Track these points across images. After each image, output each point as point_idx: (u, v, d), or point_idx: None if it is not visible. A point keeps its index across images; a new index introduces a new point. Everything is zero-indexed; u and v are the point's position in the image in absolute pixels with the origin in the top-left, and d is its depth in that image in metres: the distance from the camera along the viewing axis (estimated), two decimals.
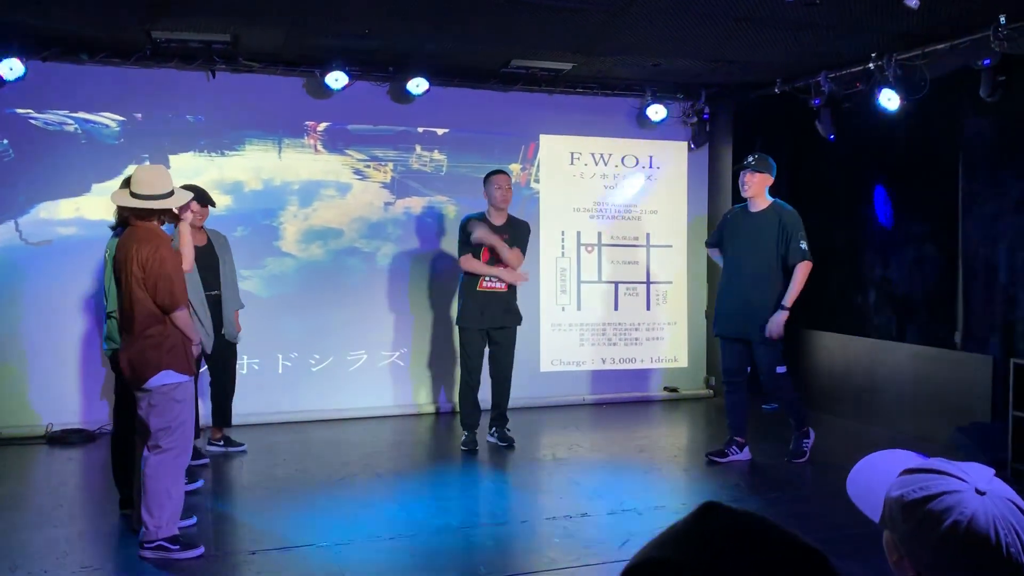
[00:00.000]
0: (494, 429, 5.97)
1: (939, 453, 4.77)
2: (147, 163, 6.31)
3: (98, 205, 6.35)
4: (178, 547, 3.87)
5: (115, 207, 4.39)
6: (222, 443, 5.71)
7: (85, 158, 6.35)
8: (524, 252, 5.91)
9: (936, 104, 6.07)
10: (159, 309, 3.83)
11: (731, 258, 5.63)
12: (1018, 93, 5.51)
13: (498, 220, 5.87)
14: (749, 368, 5.64)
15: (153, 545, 3.82)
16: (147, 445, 3.89)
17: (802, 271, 5.35)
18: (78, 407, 6.36)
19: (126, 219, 4.30)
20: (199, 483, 4.87)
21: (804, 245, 5.35)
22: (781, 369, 5.45)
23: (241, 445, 5.72)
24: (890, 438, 5.90)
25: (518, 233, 5.89)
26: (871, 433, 6.34)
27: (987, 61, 5.42)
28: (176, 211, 4.02)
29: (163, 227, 4.10)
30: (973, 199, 6.03)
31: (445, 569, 3.79)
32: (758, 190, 5.49)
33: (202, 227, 5.38)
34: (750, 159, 5.55)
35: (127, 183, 4.35)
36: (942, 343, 6.21)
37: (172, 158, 6.48)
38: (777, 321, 5.34)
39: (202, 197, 5.19)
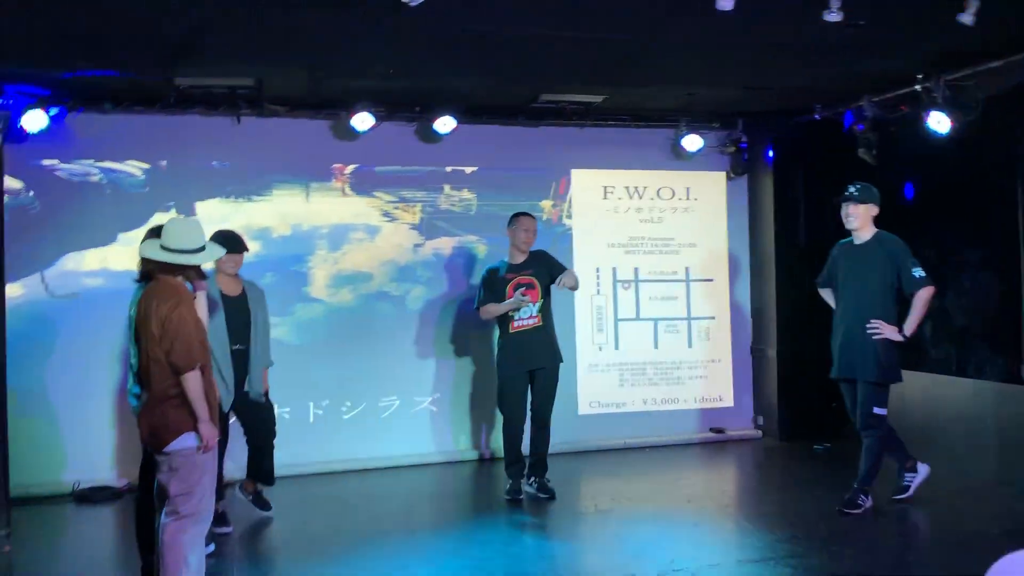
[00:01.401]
0: (533, 479, 5.71)
1: (1011, 498, 4.41)
2: (177, 214, 6.21)
3: (124, 255, 6.23)
4: None
5: (139, 259, 4.26)
6: (251, 497, 5.45)
7: (110, 207, 6.26)
8: (564, 267, 5.76)
9: (990, 125, 5.75)
10: (172, 369, 3.64)
11: (840, 295, 5.39)
12: None
13: (519, 259, 5.72)
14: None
15: None
16: (165, 511, 3.68)
17: (923, 297, 5.08)
18: (106, 464, 6.19)
19: (150, 272, 4.15)
20: (211, 548, 4.63)
21: (918, 272, 5.09)
22: (880, 411, 5.19)
23: (268, 509, 5.40)
24: (954, 483, 5.51)
25: (544, 263, 5.74)
26: (934, 475, 5.93)
27: None
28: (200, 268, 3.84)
29: (188, 283, 3.93)
30: None
31: None
32: (863, 221, 5.26)
33: (237, 275, 5.18)
34: (852, 190, 5.30)
35: (154, 233, 4.21)
36: (1006, 377, 5.83)
37: (198, 205, 6.37)
38: (888, 332, 5.08)
39: (235, 243, 5.02)
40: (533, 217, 5.82)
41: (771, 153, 7.41)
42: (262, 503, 5.39)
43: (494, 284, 5.66)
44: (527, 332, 5.63)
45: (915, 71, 5.86)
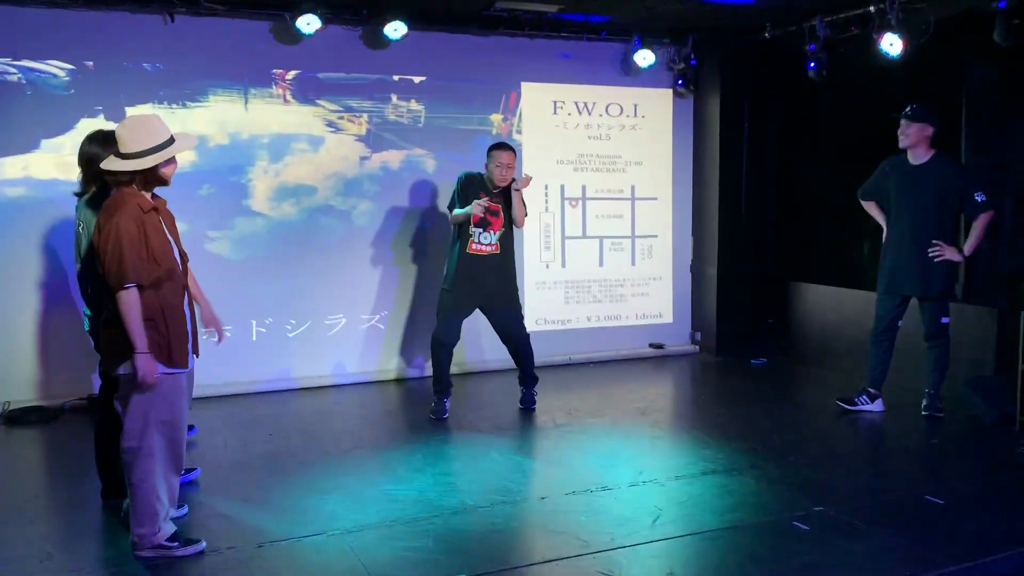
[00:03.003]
0: (523, 388, 5.85)
1: (947, 408, 4.65)
2: (106, 120, 5.79)
3: (48, 163, 5.81)
4: (177, 544, 3.52)
5: (82, 169, 3.93)
6: None
7: (32, 111, 5.77)
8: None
9: (940, 49, 5.86)
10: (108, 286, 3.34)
11: (895, 214, 5.50)
12: None
13: (493, 189, 5.55)
14: (900, 322, 5.59)
15: (149, 547, 3.47)
16: (124, 447, 3.45)
17: (983, 221, 5.25)
18: (35, 383, 5.87)
19: (96, 182, 3.85)
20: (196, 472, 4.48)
21: (980, 196, 5.23)
22: (945, 320, 5.43)
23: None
24: (894, 395, 5.80)
25: (512, 194, 5.56)
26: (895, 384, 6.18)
27: (1002, 3, 5.21)
28: (159, 170, 3.49)
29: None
30: (976, 148, 5.88)
31: (474, 555, 3.52)
32: (916, 140, 5.35)
33: None
34: (908, 108, 5.37)
35: (97, 140, 3.88)
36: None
37: (129, 110, 5.93)
38: (948, 254, 5.28)
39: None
40: (512, 150, 5.52)
41: (720, 72, 7.40)
42: None
43: (469, 191, 5.48)
44: (482, 258, 5.52)
45: None
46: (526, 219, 5.64)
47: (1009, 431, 5.18)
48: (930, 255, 5.33)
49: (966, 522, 3.80)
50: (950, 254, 5.31)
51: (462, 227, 5.52)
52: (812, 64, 6.48)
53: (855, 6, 6.15)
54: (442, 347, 5.58)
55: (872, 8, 6.01)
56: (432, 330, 5.65)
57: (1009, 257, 5.69)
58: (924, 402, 5.52)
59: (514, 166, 5.52)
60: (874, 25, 6.02)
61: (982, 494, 4.18)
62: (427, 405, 5.77)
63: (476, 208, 5.34)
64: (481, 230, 5.49)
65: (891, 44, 5.87)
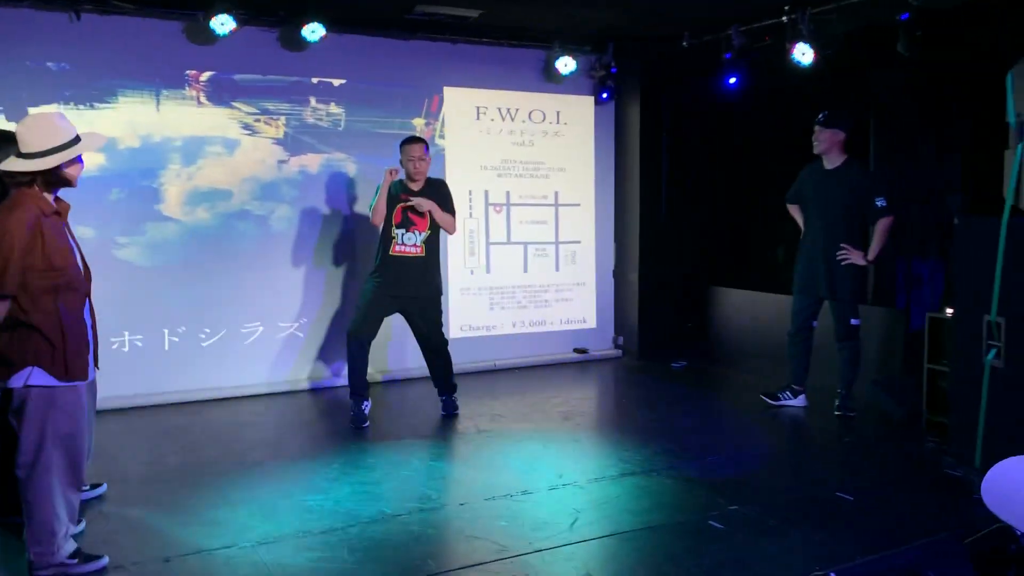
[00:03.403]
0: (444, 396, 5.80)
1: (859, 410, 4.78)
2: (7, 120, 5.53)
3: None
4: (76, 561, 3.36)
5: None
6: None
7: None
8: (454, 211, 5.62)
9: (848, 60, 6.05)
10: None
11: (809, 217, 5.68)
12: (934, 48, 5.53)
13: (415, 186, 5.51)
14: (815, 322, 5.74)
15: (47, 567, 3.30)
16: (18, 463, 3.28)
17: (882, 226, 5.40)
18: None
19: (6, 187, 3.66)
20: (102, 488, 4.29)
21: (880, 202, 5.37)
22: (855, 321, 5.57)
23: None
24: (810, 394, 5.94)
25: (439, 193, 5.56)
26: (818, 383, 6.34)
27: (904, 15, 5.41)
28: (63, 171, 3.31)
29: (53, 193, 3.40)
30: (883, 153, 6.08)
31: (390, 564, 3.45)
32: (828, 145, 5.54)
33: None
34: (820, 115, 5.56)
35: (4, 141, 3.70)
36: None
37: (32, 111, 5.68)
38: (854, 257, 5.43)
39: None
40: (421, 142, 5.50)
41: (639, 79, 7.50)
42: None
43: (389, 192, 5.43)
44: (406, 259, 5.46)
45: (783, 3, 6.05)
46: (453, 224, 5.61)
47: (916, 429, 5.35)
48: (837, 258, 5.48)
49: (874, 517, 3.91)
50: (855, 258, 5.47)
51: (387, 228, 5.45)
52: (730, 74, 6.62)
53: (769, 16, 6.30)
54: (356, 341, 5.42)
55: (785, 19, 6.17)
56: None
57: (911, 260, 5.89)
58: (836, 402, 5.67)
59: (426, 158, 5.49)
60: (787, 35, 6.18)
61: (890, 490, 4.31)
62: (344, 413, 5.67)
63: (387, 176, 5.32)
64: (404, 231, 5.44)
65: (803, 54, 6.02)
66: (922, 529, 3.73)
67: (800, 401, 5.85)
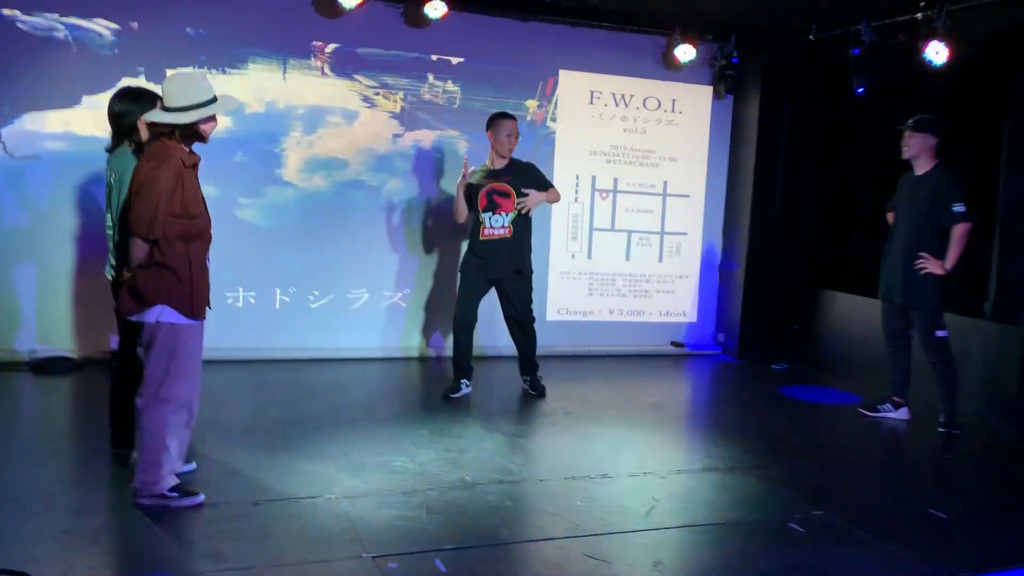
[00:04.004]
0: (526, 377, 5.85)
1: (965, 426, 4.56)
2: (146, 81, 5.88)
3: (89, 119, 5.93)
4: (176, 495, 3.59)
5: (114, 124, 4.01)
6: None
7: (75, 67, 5.90)
8: (550, 183, 5.73)
9: (987, 60, 5.73)
10: (127, 229, 3.45)
11: (896, 223, 5.53)
12: None
13: (499, 164, 5.59)
14: (911, 331, 5.52)
15: (149, 495, 3.55)
16: (142, 391, 3.55)
17: (958, 232, 5.17)
18: (64, 335, 6.02)
19: (129, 137, 3.93)
20: (192, 465, 4.42)
21: (958, 207, 5.15)
22: (941, 333, 5.35)
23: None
24: (914, 408, 5.70)
25: (528, 176, 5.60)
26: None
27: None
28: (199, 127, 3.55)
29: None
30: (1018, 164, 5.75)
31: (464, 529, 3.54)
32: (918, 151, 5.37)
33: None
34: (911, 120, 5.38)
35: (131, 97, 3.96)
36: (971, 312, 5.98)
37: (169, 72, 6.01)
38: (932, 266, 5.23)
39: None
40: (515, 119, 5.59)
41: (761, 72, 7.31)
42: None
43: (468, 190, 5.54)
44: (494, 242, 5.54)
45: None
46: (558, 193, 5.76)
47: None
48: (915, 267, 5.25)
49: (966, 538, 3.73)
50: (933, 267, 5.21)
51: (475, 214, 5.54)
52: (855, 69, 6.37)
53: (903, 12, 6.03)
54: (462, 327, 5.63)
55: (920, 15, 5.89)
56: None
57: None
58: (941, 418, 5.42)
59: (517, 133, 5.55)
60: (921, 32, 5.90)
61: (989, 512, 4.10)
62: (440, 384, 5.81)
63: (462, 179, 5.48)
64: (491, 214, 5.51)
65: (936, 52, 5.74)
66: (1018, 557, 3.55)
67: (902, 414, 5.62)
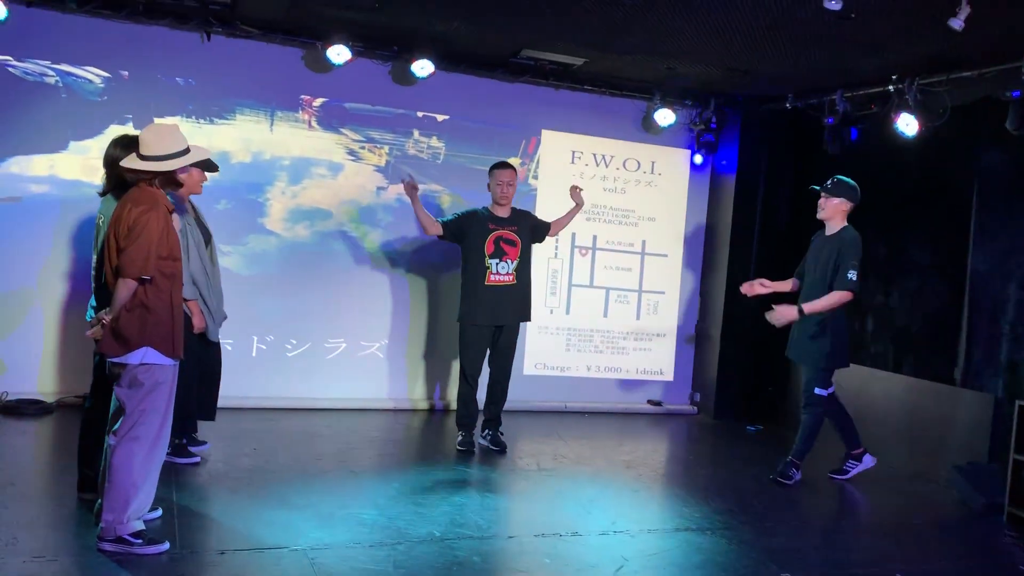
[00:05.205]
0: (487, 432, 5.82)
1: (934, 492, 4.60)
2: (134, 128, 5.95)
3: (74, 164, 6.00)
4: (141, 541, 3.56)
5: (107, 170, 4.07)
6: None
7: (64, 113, 5.98)
8: (548, 224, 6.02)
9: (954, 132, 5.91)
10: (116, 270, 3.52)
11: (803, 282, 5.63)
12: None
13: (502, 213, 5.69)
14: (832, 388, 5.56)
15: (113, 538, 3.52)
16: (117, 430, 3.55)
17: (837, 296, 5.26)
18: (36, 377, 5.98)
19: (118, 182, 3.99)
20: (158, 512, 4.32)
21: (852, 275, 5.23)
22: (820, 391, 5.44)
23: (204, 443, 5.20)
24: (883, 472, 5.73)
25: (529, 221, 5.86)
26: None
27: (1016, 93, 5.27)
28: (177, 175, 3.69)
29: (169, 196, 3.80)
30: (985, 233, 5.89)
31: None
32: (832, 213, 5.48)
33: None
34: (827, 183, 5.50)
35: (121, 144, 4.03)
36: (940, 378, 6.06)
37: (157, 120, 6.11)
38: (782, 311, 5.34)
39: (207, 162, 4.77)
40: (513, 168, 5.74)
41: (738, 136, 7.48)
42: (196, 441, 5.18)
43: (471, 223, 5.64)
44: (501, 288, 5.64)
45: (890, 72, 5.97)
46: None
47: (996, 520, 5.09)
48: (766, 316, 5.39)
49: None
50: (787, 313, 5.32)
51: (478, 259, 5.60)
52: (829, 137, 6.55)
53: (876, 84, 6.23)
54: (469, 382, 5.70)
55: (891, 88, 6.09)
56: (434, 364, 5.73)
57: (1010, 344, 5.65)
58: (778, 467, 5.52)
59: (515, 185, 5.71)
60: (892, 104, 6.09)
61: (952, 575, 4.12)
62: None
63: (410, 190, 5.61)
64: (497, 260, 5.61)
65: (907, 124, 5.92)
66: None
67: (868, 462, 5.66)
